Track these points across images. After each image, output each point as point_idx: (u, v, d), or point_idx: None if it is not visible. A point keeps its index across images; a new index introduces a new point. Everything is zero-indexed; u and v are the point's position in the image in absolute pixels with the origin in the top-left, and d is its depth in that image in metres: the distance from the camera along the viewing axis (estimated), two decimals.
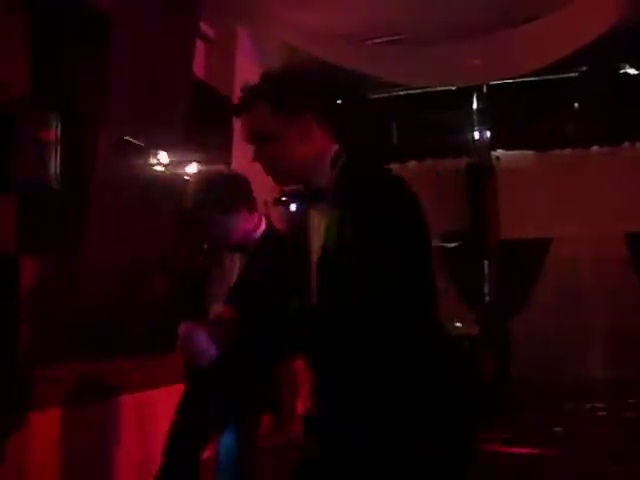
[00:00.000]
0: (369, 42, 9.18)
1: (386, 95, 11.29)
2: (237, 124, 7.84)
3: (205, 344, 2.63)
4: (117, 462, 5.15)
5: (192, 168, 6.22)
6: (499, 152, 11.27)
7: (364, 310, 2.20)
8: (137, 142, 5.75)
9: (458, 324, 9.86)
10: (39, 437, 4.50)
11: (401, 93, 11.09)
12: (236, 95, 7.62)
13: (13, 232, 5.18)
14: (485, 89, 10.99)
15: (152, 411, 5.10)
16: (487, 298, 10.74)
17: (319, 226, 2.33)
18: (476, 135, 11.42)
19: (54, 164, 4.84)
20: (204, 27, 7.78)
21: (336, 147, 2.45)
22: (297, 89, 2.47)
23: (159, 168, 5.94)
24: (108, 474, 5.11)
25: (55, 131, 4.82)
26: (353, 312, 2.21)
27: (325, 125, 2.46)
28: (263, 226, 3.64)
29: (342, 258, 2.22)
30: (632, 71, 10.05)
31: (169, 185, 5.95)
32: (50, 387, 4.64)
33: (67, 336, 4.91)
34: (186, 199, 3.63)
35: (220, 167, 3.60)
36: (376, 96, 11.42)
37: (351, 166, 2.39)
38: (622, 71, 10.16)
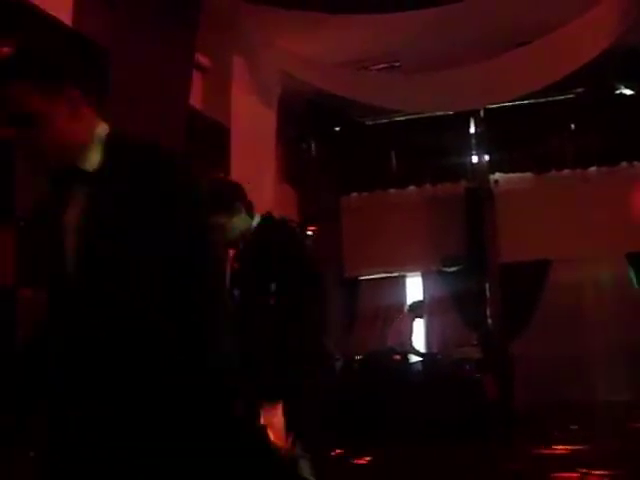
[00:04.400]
0: (367, 69, 9.24)
1: (384, 121, 11.35)
2: (234, 151, 7.84)
3: None
4: None
5: None
6: (497, 175, 11.32)
7: None
8: None
9: (460, 348, 9.86)
10: None
11: (399, 119, 11.15)
12: (233, 123, 7.62)
13: (12, 265, 5.19)
14: (482, 113, 11.06)
15: None
16: (488, 321, 10.73)
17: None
18: (474, 159, 11.47)
19: None
20: (200, 57, 7.83)
21: (106, 126, 2.22)
22: (59, 63, 2.22)
23: None
24: None
25: None
26: None
27: (93, 101, 2.22)
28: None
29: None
30: (627, 92, 10.10)
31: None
32: None
33: None
34: None
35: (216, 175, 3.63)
36: (374, 122, 11.48)
37: (116, 146, 2.17)
38: (618, 92, 10.21)
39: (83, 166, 2.13)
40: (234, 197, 3.47)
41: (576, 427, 8.61)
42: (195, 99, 7.77)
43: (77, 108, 2.15)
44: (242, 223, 3.46)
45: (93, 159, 2.13)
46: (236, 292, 3.38)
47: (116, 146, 2.16)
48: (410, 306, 10.67)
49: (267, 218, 3.59)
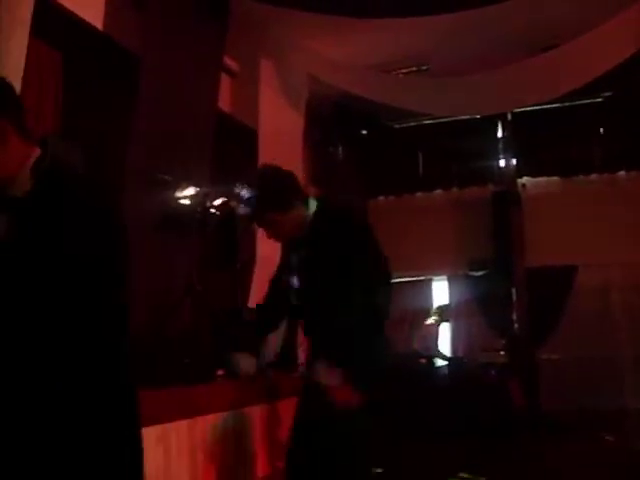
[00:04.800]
0: (395, 73, 9.26)
1: (412, 124, 11.37)
2: (261, 154, 7.91)
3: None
4: None
5: (218, 200, 6.28)
6: (525, 179, 11.29)
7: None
8: (164, 177, 5.84)
9: (485, 352, 9.84)
10: None
11: (427, 122, 11.16)
12: (260, 126, 7.69)
13: None
14: (510, 117, 11.04)
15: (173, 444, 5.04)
16: (515, 326, 10.70)
17: None
18: (502, 163, 11.45)
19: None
20: (228, 60, 7.90)
21: (37, 151, 2.19)
22: None
23: (186, 201, 6.01)
24: None
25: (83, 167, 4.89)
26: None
27: (23, 129, 2.18)
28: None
29: None
30: None
31: (196, 217, 6.02)
32: None
33: None
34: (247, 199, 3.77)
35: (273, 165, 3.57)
36: (402, 125, 11.50)
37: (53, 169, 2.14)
38: None
39: (11, 193, 2.12)
40: (288, 193, 3.45)
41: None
42: (224, 102, 7.84)
43: (4, 135, 2.12)
44: (298, 216, 3.44)
45: (23, 186, 2.11)
46: (304, 277, 3.47)
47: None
48: (436, 310, 10.67)
49: (322, 205, 3.60)
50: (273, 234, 3.48)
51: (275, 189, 3.43)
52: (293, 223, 3.41)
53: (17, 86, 4.39)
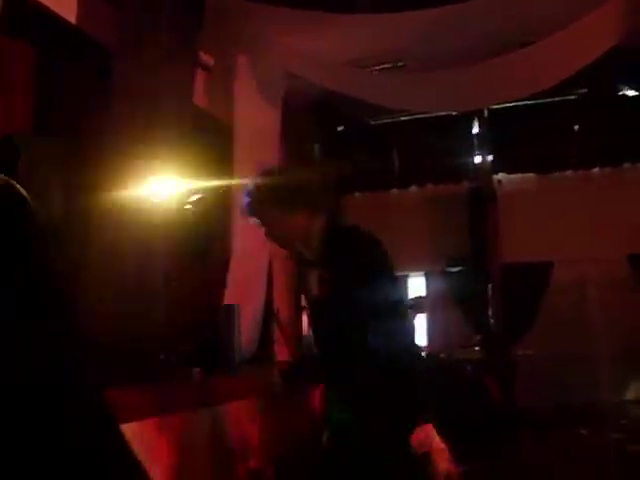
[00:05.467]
0: (371, 69, 9.24)
1: (387, 121, 11.36)
2: (237, 150, 7.88)
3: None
4: None
5: (194, 197, 6.22)
6: (501, 175, 11.32)
7: None
8: (138, 173, 5.77)
9: (462, 348, 9.85)
10: None
11: (402, 119, 11.15)
12: (236, 122, 7.64)
13: None
14: (486, 113, 11.05)
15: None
16: (491, 322, 10.73)
17: None
18: (477, 159, 11.47)
19: (56, 197, 4.87)
20: (203, 55, 7.84)
21: None
22: None
23: (162, 198, 5.95)
24: None
25: (57, 163, 4.85)
26: None
27: None
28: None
29: None
30: (631, 92, 10.10)
31: (170, 212, 5.96)
32: None
33: None
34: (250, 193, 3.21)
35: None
36: (377, 122, 11.48)
37: None
38: (621, 92, 10.21)
39: None
40: (299, 193, 3.12)
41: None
42: (199, 98, 7.77)
43: None
44: (305, 222, 3.10)
45: None
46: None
47: None
48: (411, 301, 10.65)
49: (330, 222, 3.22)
50: (272, 235, 3.15)
51: (286, 184, 3.14)
52: (297, 229, 3.08)
53: None
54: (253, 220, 3.16)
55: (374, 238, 3.12)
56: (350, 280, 2.92)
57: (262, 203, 3.10)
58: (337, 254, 3.02)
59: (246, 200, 3.13)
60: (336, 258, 3.02)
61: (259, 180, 3.17)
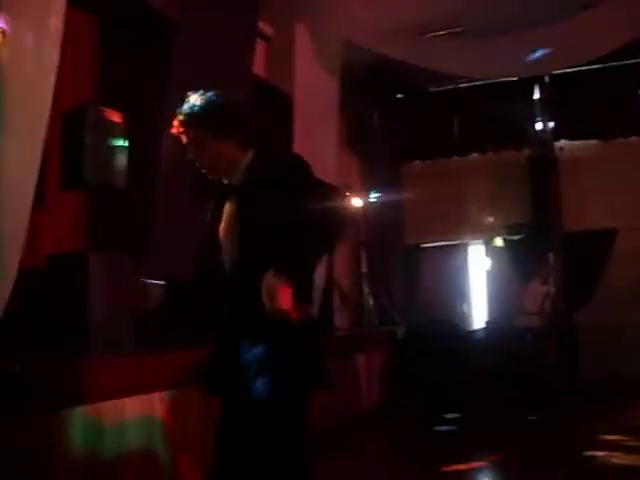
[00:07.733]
0: (430, 35, 9.18)
1: (447, 88, 11.28)
2: (297, 119, 7.90)
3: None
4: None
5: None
6: (562, 142, 11.14)
7: None
8: None
9: (522, 316, 9.80)
10: None
11: (462, 86, 11.06)
12: (296, 91, 7.65)
13: (83, 230, 5.35)
14: (547, 79, 10.87)
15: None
16: (552, 290, 10.63)
17: None
18: (539, 126, 11.31)
19: (121, 165, 4.98)
20: (262, 25, 7.88)
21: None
22: None
23: None
24: None
25: (121, 133, 4.95)
26: None
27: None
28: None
29: None
30: None
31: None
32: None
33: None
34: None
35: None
36: (437, 89, 11.41)
37: None
38: None
39: None
40: (233, 122, 3.08)
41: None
42: (258, 68, 7.83)
43: None
44: (230, 152, 3.05)
45: None
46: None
47: None
48: None
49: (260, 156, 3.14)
50: (199, 159, 3.05)
51: (221, 108, 3.10)
52: (223, 157, 3.02)
53: (55, 51, 4.43)
54: (182, 139, 3.05)
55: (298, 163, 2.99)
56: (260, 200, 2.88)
57: (198, 124, 3.02)
58: (256, 181, 2.96)
59: (184, 117, 3.07)
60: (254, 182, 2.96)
61: (202, 99, 3.10)
